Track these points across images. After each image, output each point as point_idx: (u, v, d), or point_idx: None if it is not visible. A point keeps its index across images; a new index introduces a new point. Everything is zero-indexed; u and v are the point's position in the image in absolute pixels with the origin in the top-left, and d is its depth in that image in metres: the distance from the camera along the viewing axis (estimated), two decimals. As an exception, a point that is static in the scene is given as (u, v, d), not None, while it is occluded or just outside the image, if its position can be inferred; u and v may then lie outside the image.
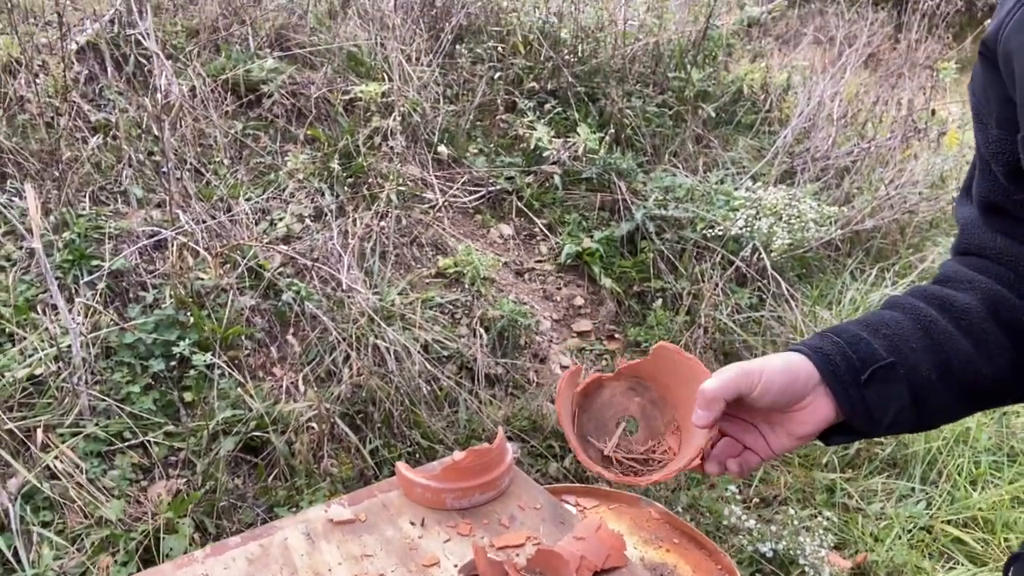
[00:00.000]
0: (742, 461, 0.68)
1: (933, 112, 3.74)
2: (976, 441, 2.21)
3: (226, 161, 2.60)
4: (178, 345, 1.97)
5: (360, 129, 2.76)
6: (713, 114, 3.52)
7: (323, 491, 1.84)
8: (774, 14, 4.17)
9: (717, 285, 2.64)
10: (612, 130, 3.23)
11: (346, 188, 2.64)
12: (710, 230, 2.81)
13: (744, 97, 3.80)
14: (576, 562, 0.78)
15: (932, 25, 3.90)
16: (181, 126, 2.57)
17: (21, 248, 2.09)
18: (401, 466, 0.97)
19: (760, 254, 2.69)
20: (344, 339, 2.15)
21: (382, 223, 2.52)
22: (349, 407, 2.02)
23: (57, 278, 2.06)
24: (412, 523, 0.91)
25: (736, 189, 3.02)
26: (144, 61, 2.77)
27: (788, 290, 2.60)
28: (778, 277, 2.64)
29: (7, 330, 1.88)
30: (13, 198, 2.17)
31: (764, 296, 2.70)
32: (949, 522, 2.01)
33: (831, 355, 0.62)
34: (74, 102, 2.54)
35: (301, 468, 1.83)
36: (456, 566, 0.84)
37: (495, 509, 0.94)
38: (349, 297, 2.27)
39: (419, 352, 2.20)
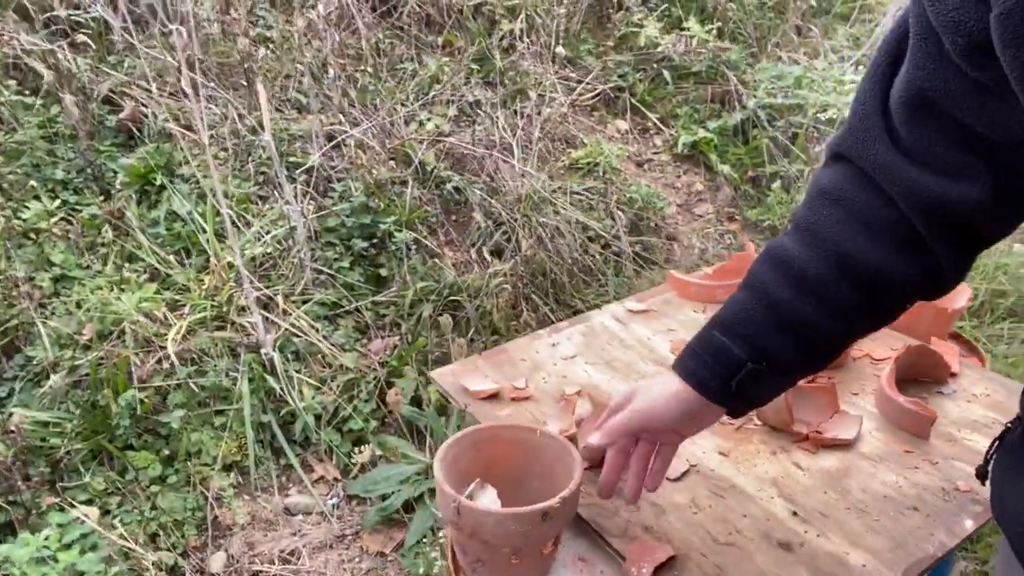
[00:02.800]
0: (659, 458, 0.73)
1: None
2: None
3: (370, 69, 2.84)
4: (378, 227, 2.26)
5: (491, 33, 2.95)
6: (813, 3, 3.59)
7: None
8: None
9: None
10: (718, 23, 3.35)
11: (485, 88, 2.86)
12: (823, 113, 2.96)
13: (842, -14, 3.84)
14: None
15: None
16: (332, 37, 2.80)
17: (226, 151, 2.38)
18: (674, 272, 1.23)
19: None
20: (508, 221, 2.42)
21: (523, 120, 2.75)
22: (524, 277, 2.31)
23: (262, 173, 2.36)
24: (694, 311, 1.19)
25: (843, 74, 3.14)
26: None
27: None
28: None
29: (231, 218, 2.20)
30: (210, 105, 2.45)
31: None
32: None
33: (703, 378, 0.65)
34: (235, 18, 2.79)
35: (501, 323, 2.13)
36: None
37: (754, 301, 1.20)
38: (504, 185, 2.53)
39: (571, 232, 2.46)
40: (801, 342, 0.62)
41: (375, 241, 2.29)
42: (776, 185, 2.90)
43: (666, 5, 3.47)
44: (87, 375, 1.76)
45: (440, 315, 2.21)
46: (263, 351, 1.93)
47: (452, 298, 2.22)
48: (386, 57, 2.98)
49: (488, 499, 0.72)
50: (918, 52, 0.53)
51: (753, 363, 0.62)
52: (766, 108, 3.13)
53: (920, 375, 0.98)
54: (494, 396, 0.99)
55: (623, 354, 1.09)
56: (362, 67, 2.83)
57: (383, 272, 2.29)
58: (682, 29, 3.35)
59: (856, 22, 3.79)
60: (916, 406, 0.88)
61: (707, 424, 0.70)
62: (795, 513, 0.79)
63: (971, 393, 0.96)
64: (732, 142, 3.16)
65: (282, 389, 1.93)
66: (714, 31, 3.29)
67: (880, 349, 1.07)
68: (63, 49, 2.36)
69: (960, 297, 1.08)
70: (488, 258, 2.31)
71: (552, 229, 2.48)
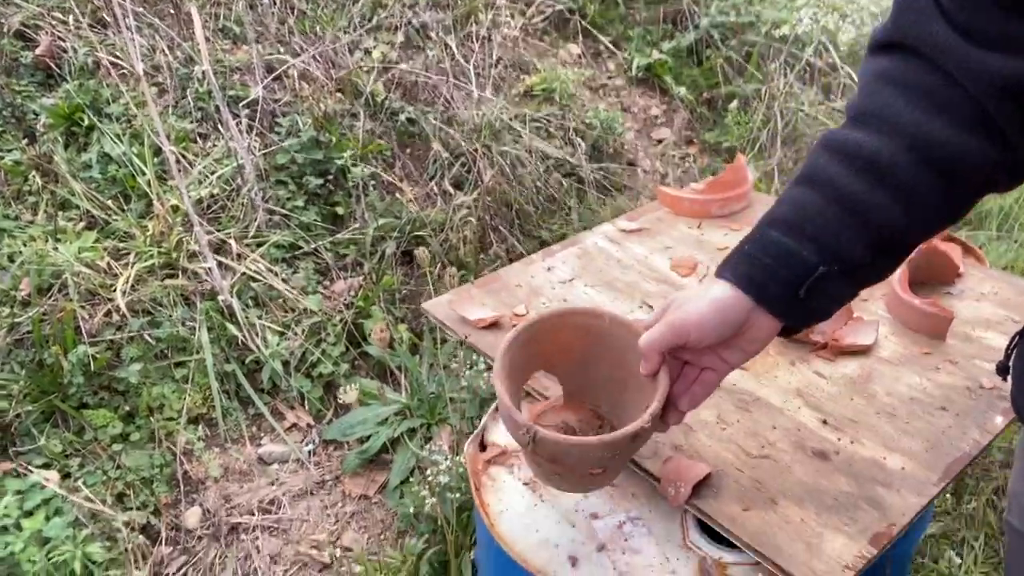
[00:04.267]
0: (699, 384, 0.65)
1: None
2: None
3: (307, -6, 2.65)
4: (332, 163, 2.14)
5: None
6: (762, -82, 3.51)
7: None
8: None
9: (787, 82, 2.80)
10: (667, -60, 3.24)
11: (434, 10, 2.71)
12: (776, 30, 2.92)
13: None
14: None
15: None
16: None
17: (158, 86, 2.20)
18: (664, 188, 1.18)
19: (828, 50, 2.82)
20: (467, 151, 2.33)
21: (477, 43, 2.62)
22: (490, 208, 2.23)
23: (200, 108, 2.19)
24: (689, 228, 1.15)
25: (794, -9, 3.10)
26: None
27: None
28: (848, 69, 2.79)
29: (175, 158, 2.04)
30: (135, 36, 2.25)
31: (832, 91, 2.86)
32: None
33: (763, 284, 0.57)
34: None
35: (469, 257, 2.07)
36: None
37: (749, 215, 1.17)
38: (460, 115, 2.42)
39: (532, 161, 2.39)
40: (877, 240, 0.55)
41: (329, 178, 2.17)
42: (733, 105, 2.87)
43: (613, -79, 3.33)
44: (29, 332, 1.63)
45: (405, 252, 2.12)
46: (220, 298, 1.82)
47: (416, 234, 2.13)
48: (323, -19, 2.79)
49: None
50: None
51: (825, 267, 0.55)
52: (719, 27, 3.07)
53: (927, 278, 0.97)
54: (495, 324, 0.94)
55: (622, 274, 1.04)
56: (298, -8, 2.64)
57: (340, 210, 2.18)
58: (630, -54, 3.23)
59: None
60: (934, 307, 0.86)
61: (754, 344, 0.61)
62: (825, 422, 0.77)
63: (979, 292, 0.95)
64: (686, 64, 3.10)
65: (244, 336, 1.83)
66: (664, -53, 3.18)
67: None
68: (-40, -24, 2.11)
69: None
70: (450, 191, 2.22)
71: (513, 158, 2.40)
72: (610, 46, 3.14)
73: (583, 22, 3.15)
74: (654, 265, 1.06)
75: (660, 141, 2.92)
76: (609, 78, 3.09)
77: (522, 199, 2.34)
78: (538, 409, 0.76)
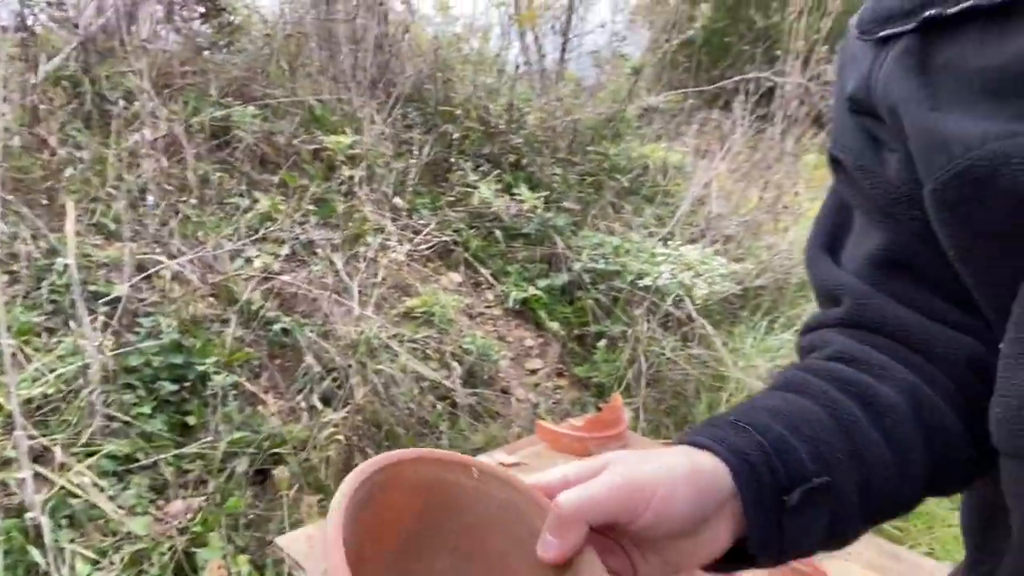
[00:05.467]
0: None
1: (796, 193, 4.46)
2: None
3: (194, 200, 2.66)
4: (192, 368, 2.00)
5: (331, 177, 2.92)
6: (627, 184, 4.01)
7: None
8: (669, 103, 4.81)
9: (650, 327, 3.01)
10: (545, 192, 3.59)
11: (319, 231, 2.78)
12: (640, 280, 3.20)
13: (647, 172, 4.34)
14: None
15: (792, 122, 4.68)
16: (156, 163, 2.61)
17: (13, 274, 2.05)
18: (543, 423, 1.17)
19: (685, 302, 3.10)
20: (341, 367, 2.27)
21: (358, 264, 2.68)
22: (359, 428, 2.13)
23: (53, 302, 2.04)
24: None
25: (654, 248, 3.46)
26: (107, 101, 2.79)
27: (712, 332, 3.02)
28: (703, 320, 3.05)
29: (14, 353, 1.85)
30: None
31: (690, 340, 3.10)
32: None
33: (756, 466, 0.42)
34: (40, 135, 2.52)
35: (331, 479, 1.92)
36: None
37: (624, 455, 1.17)
38: (338, 329, 2.39)
39: (409, 382, 2.36)
40: (865, 480, 0.44)
41: (186, 384, 2.02)
42: (601, 344, 3.03)
43: (498, 172, 3.68)
44: None
45: (259, 471, 1.95)
46: (29, 515, 1.56)
47: (274, 451, 1.98)
48: (214, 190, 2.83)
49: None
50: (870, 228, 0.51)
51: (818, 478, 0.42)
52: (590, 272, 3.32)
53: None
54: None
55: (498, 514, 0.98)
56: (186, 197, 2.64)
57: (191, 420, 2.00)
58: (513, 194, 3.54)
59: (660, 204, 4.26)
60: (809, 567, 0.86)
61: (696, 555, 0.42)
62: None
63: (846, 551, 0.97)
64: (560, 301, 3.29)
65: (48, 564, 1.55)
66: (542, 199, 3.51)
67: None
68: None
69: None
70: (318, 406, 2.12)
71: (388, 377, 2.36)
72: (490, 278, 3.31)
73: (466, 254, 3.33)
74: (531, 505, 1.01)
75: (533, 371, 2.99)
76: (487, 307, 3.21)
77: (393, 420, 2.26)
78: None
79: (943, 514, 2.48)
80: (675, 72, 5.57)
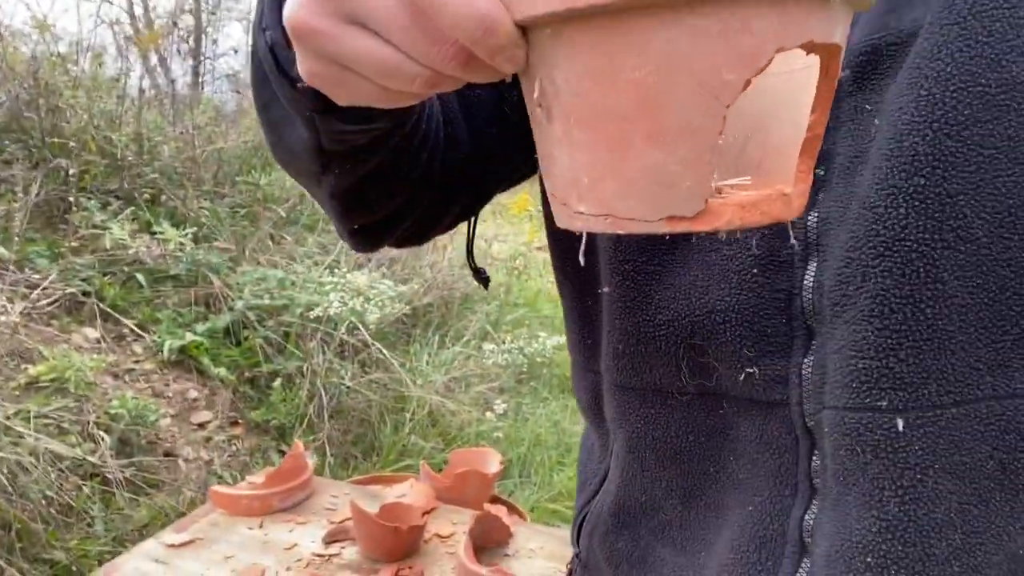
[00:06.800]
0: None
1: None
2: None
3: None
4: None
5: None
6: (284, 214, 3.87)
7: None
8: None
9: (326, 359, 2.95)
10: (193, 228, 3.30)
11: None
12: (310, 311, 3.11)
13: (304, 201, 4.25)
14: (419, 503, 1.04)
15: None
16: None
17: None
18: (217, 488, 1.07)
19: (358, 328, 3.10)
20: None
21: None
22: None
23: None
24: (250, 528, 1.03)
25: (320, 277, 3.40)
26: None
27: (389, 355, 3.06)
28: (379, 345, 3.08)
29: None
30: None
31: (368, 366, 3.11)
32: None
33: None
34: None
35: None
36: (313, 542, 1.00)
37: (313, 504, 1.11)
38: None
39: (45, 465, 1.97)
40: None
41: None
42: (277, 383, 2.88)
43: (132, 208, 3.28)
44: None
45: None
46: None
47: None
48: None
49: None
50: None
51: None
52: (254, 309, 3.13)
53: (486, 543, 1.02)
54: None
55: (174, 605, 0.86)
56: None
57: None
58: (154, 233, 3.19)
59: (322, 232, 4.20)
60: (497, 572, 0.91)
61: None
62: None
63: (529, 549, 1.04)
64: (224, 344, 3.05)
65: None
66: (190, 235, 3.22)
67: (444, 526, 1.09)
68: None
69: (494, 462, 1.19)
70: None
71: (12, 465, 1.94)
72: (136, 329, 2.93)
73: (101, 305, 2.90)
74: (214, 584, 0.90)
75: (202, 425, 2.72)
76: (136, 362, 2.84)
77: (26, 515, 1.87)
78: None
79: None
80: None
